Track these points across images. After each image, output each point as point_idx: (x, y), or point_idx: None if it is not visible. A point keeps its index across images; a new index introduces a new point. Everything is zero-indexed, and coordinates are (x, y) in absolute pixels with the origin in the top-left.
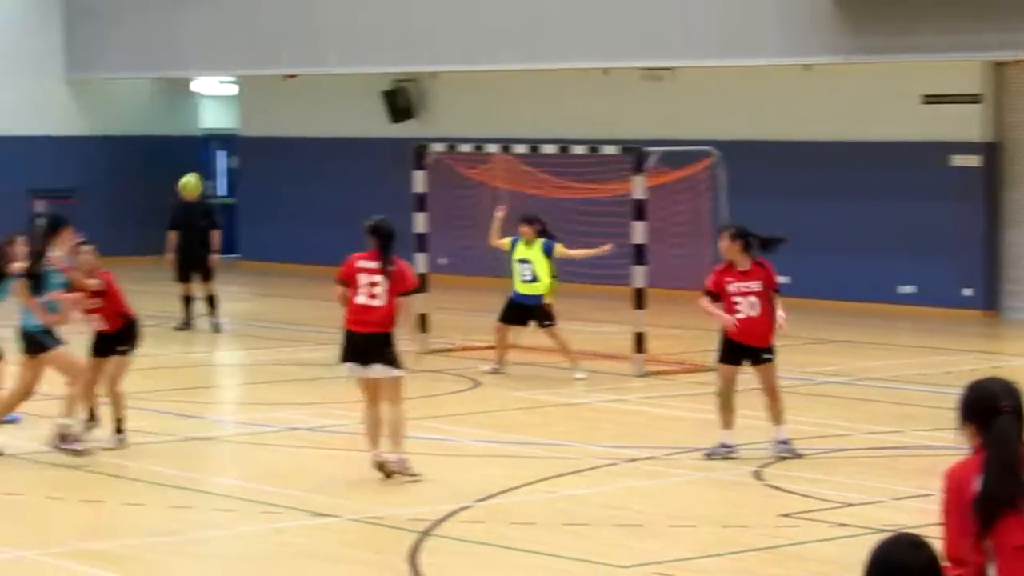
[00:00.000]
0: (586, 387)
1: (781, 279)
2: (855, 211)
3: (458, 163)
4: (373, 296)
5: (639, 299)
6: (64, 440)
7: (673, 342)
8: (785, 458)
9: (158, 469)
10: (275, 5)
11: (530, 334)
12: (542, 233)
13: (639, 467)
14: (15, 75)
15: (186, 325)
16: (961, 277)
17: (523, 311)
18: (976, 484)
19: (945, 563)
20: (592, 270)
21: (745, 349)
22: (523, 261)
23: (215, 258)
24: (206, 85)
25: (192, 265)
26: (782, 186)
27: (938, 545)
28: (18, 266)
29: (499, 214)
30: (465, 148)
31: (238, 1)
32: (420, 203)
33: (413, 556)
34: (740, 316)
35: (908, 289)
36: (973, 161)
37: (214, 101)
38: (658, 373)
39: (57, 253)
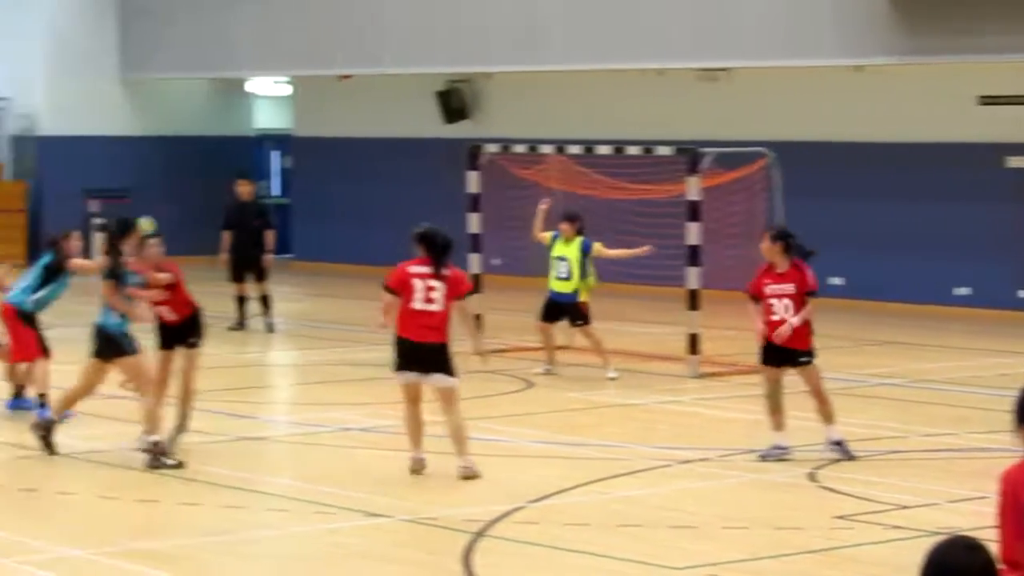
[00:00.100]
0: (640, 388)
1: (835, 280)
2: (910, 212)
3: (512, 164)
4: (431, 301)
5: (693, 300)
6: (156, 456)
7: (727, 343)
8: (838, 460)
9: (211, 469)
10: (330, 5)
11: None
12: (580, 232)
13: (693, 468)
14: (70, 76)
15: (240, 325)
16: (1016, 279)
17: (558, 309)
18: None
19: (1001, 566)
20: (646, 271)
21: (781, 351)
22: (560, 258)
23: (269, 258)
24: (260, 85)
25: (246, 265)
26: (837, 187)
27: (994, 548)
28: (93, 264)
29: (543, 206)
30: (519, 149)
31: (292, 1)
32: (474, 204)
33: (467, 557)
34: (775, 318)
35: (963, 291)
36: None
37: (268, 101)
38: (712, 375)
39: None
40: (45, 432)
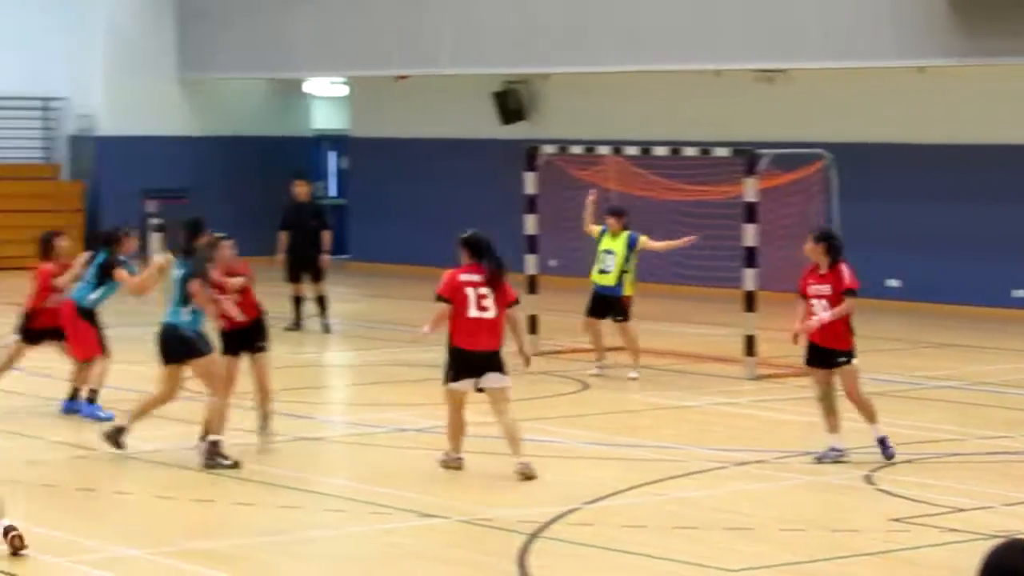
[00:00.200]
0: (696, 390)
1: (892, 282)
2: (968, 214)
3: (569, 165)
4: (484, 308)
5: (750, 302)
6: (213, 456)
7: (783, 345)
8: (890, 460)
9: (268, 469)
10: (387, 6)
11: (642, 334)
12: (627, 227)
13: (749, 470)
14: (129, 76)
15: (296, 326)
16: None
17: (605, 303)
18: None
19: None
20: (702, 273)
21: (822, 351)
22: (608, 252)
23: (325, 259)
24: (318, 86)
25: (302, 266)
26: (895, 189)
27: None
28: (137, 279)
29: (591, 198)
30: (576, 150)
31: (350, 2)
32: (531, 205)
33: (522, 558)
34: (814, 319)
35: (1021, 293)
36: None
37: (325, 102)
38: (769, 376)
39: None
40: (115, 437)
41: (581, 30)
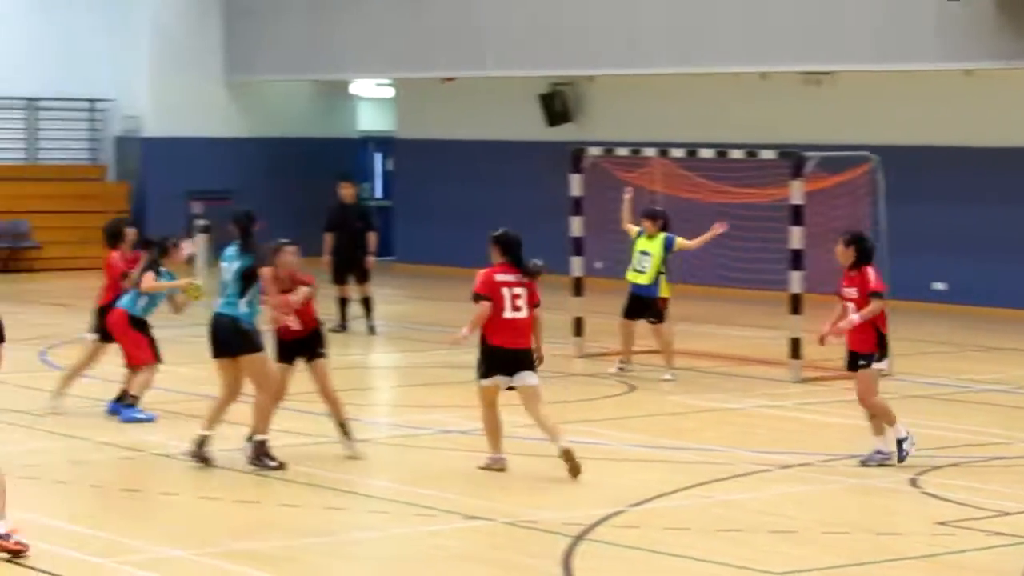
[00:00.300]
0: (741, 392)
1: (939, 285)
2: (1016, 217)
3: (615, 167)
4: (518, 308)
5: (795, 304)
6: (259, 456)
7: (829, 348)
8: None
9: (312, 471)
10: (433, 8)
11: (686, 336)
12: (664, 228)
13: (794, 473)
14: (174, 77)
15: (341, 327)
16: None
17: (641, 304)
18: None
19: None
20: (748, 275)
21: (849, 354)
22: (644, 252)
23: (371, 260)
24: (363, 87)
25: (348, 267)
26: (942, 192)
27: None
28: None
29: (627, 196)
30: (622, 152)
31: (396, 4)
32: (576, 207)
33: (567, 560)
34: (844, 321)
35: None
36: None
37: (371, 103)
38: (815, 379)
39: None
40: (198, 450)
41: (627, 32)
